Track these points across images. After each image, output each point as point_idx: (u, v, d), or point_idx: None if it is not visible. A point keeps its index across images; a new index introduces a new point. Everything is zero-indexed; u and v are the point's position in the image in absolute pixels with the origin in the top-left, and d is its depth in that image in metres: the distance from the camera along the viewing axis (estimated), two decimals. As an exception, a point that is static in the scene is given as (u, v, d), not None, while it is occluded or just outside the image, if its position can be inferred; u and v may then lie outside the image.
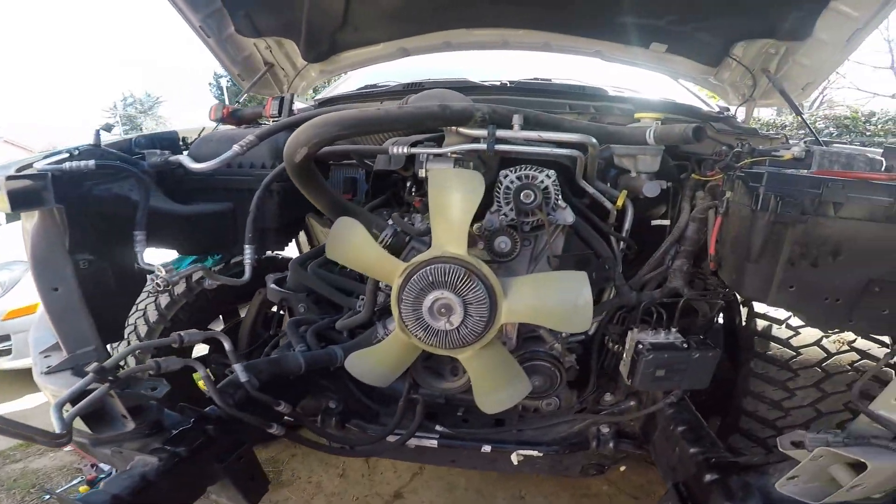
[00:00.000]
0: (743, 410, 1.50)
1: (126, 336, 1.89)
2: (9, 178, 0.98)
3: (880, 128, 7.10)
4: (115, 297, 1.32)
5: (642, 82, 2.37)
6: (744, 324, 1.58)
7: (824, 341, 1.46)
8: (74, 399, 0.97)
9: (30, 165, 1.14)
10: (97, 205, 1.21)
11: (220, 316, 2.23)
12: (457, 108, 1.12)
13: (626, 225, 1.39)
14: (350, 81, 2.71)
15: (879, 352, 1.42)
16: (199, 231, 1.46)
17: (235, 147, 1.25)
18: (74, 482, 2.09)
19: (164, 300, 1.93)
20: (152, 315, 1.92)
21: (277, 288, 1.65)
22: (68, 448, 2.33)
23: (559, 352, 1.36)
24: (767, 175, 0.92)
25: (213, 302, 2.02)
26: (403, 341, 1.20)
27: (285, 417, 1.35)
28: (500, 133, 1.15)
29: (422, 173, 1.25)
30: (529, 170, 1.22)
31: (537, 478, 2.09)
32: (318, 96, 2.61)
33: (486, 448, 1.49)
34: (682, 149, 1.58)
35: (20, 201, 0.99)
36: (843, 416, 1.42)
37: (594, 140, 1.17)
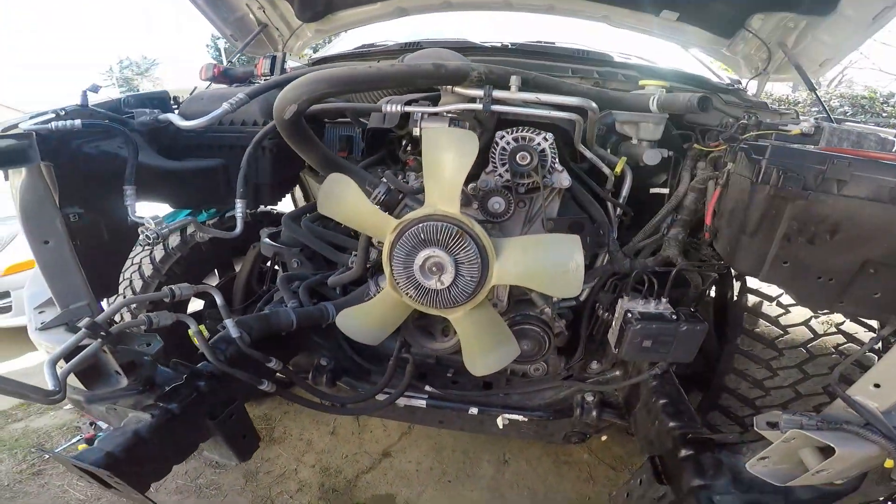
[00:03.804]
0: (724, 387, 1.52)
1: (122, 291, 1.90)
2: None
3: (896, 111, 6.84)
4: (108, 251, 1.34)
5: (652, 50, 2.29)
6: (735, 298, 1.58)
7: (813, 322, 1.46)
8: (68, 355, 0.97)
9: (15, 126, 1.14)
10: (87, 162, 1.22)
11: (215, 270, 2.23)
12: (451, 67, 1.09)
13: (624, 191, 1.38)
14: (345, 41, 2.64)
15: (865, 336, 1.43)
16: (190, 186, 1.46)
17: (225, 105, 1.24)
18: (73, 440, 2.13)
19: (158, 254, 1.93)
20: (147, 269, 1.92)
21: (271, 242, 1.64)
22: (68, 406, 2.40)
23: (549, 317, 1.37)
24: (771, 148, 0.89)
25: (207, 256, 2.01)
26: (394, 299, 1.21)
27: (276, 374, 1.37)
28: (497, 94, 1.12)
29: (416, 132, 1.22)
30: (526, 132, 1.20)
31: (521, 443, 2.15)
32: (315, 56, 2.55)
33: (473, 410, 1.52)
34: (686, 118, 1.54)
35: (6, 159, 1.01)
36: (820, 400, 1.43)
37: (594, 105, 1.14)
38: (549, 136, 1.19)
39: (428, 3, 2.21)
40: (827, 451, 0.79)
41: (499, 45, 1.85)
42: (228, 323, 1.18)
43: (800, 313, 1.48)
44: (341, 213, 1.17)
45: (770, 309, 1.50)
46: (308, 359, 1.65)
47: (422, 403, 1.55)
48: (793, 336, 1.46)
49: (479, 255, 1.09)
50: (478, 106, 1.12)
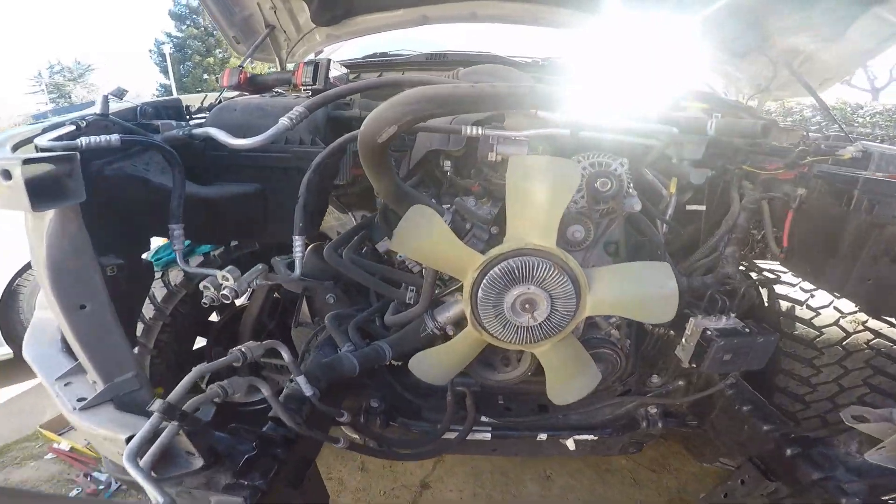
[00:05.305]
0: (776, 387, 1.59)
1: None
2: (26, 161, 0.70)
3: (867, 120, 7.84)
4: (127, 301, 1.12)
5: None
6: (766, 304, 1.66)
7: (841, 321, 1.57)
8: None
9: (28, 140, 0.91)
10: (109, 190, 0.98)
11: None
12: (540, 91, 1.03)
13: (670, 210, 1.40)
14: (346, 49, 2.51)
15: (888, 330, 1.55)
16: (222, 217, 1.22)
17: (284, 120, 1.05)
18: (73, 494, 1.87)
19: (160, 292, 1.71)
20: (148, 311, 1.69)
21: (298, 276, 1.49)
22: (49, 456, 2.09)
23: (617, 338, 1.37)
24: (863, 180, 0.95)
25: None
26: (474, 338, 1.14)
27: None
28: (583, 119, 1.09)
29: (491, 157, 1.16)
30: (603, 157, 1.18)
31: (560, 458, 2.14)
32: (338, 59, 2.40)
33: (543, 436, 1.48)
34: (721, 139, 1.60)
35: (43, 192, 0.71)
36: (861, 391, 1.52)
37: (675, 129, 1.14)
38: (625, 160, 1.18)
39: (454, 13, 2.13)
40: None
41: (529, 60, 1.83)
42: (301, 380, 1.06)
43: (829, 315, 1.58)
44: (420, 249, 1.08)
45: (803, 312, 1.59)
46: (355, 401, 1.53)
47: (486, 436, 1.49)
48: (828, 336, 1.56)
49: (574, 289, 1.05)
50: (565, 131, 1.08)
